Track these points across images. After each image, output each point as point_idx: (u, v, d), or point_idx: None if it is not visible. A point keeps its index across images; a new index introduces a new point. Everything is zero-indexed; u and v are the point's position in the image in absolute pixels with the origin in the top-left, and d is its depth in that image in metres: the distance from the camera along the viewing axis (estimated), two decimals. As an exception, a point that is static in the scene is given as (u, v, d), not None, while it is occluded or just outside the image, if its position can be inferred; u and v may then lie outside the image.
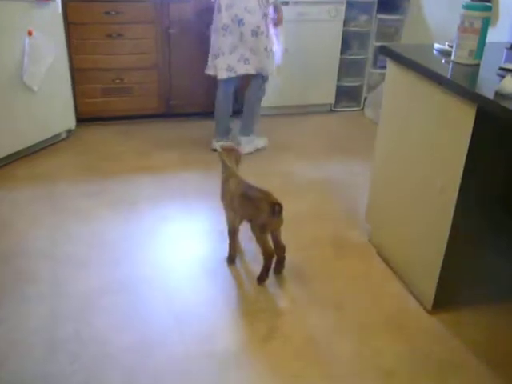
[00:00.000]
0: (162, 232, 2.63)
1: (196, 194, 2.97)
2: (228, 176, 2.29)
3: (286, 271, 2.35)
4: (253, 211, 2.15)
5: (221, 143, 3.10)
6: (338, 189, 3.12)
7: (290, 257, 2.37)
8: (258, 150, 3.48)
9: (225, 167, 2.33)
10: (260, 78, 3.24)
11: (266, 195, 2.15)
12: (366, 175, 2.92)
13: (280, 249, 2.26)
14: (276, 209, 2.10)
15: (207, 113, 3.77)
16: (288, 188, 3.09)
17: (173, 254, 2.46)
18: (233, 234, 2.37)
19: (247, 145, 3.41)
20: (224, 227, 2.43)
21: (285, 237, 2.30)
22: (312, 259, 2.47)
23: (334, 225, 2.76)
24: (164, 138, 3.66)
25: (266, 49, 3.12)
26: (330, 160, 3.47)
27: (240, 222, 2.35)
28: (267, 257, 2.19)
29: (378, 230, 2.55)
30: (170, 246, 2.51)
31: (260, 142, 3.50)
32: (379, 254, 2.53)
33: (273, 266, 2.26)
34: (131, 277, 2.27)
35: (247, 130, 3.42)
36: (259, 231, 2.16)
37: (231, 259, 2.40)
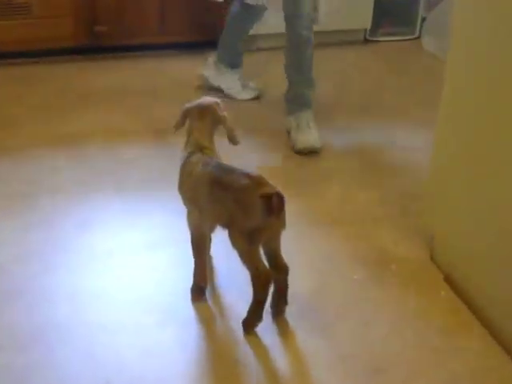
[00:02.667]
0: (84, 246, 2.68)
1: (140, 182, 3.05)
2: (192, 151, 2.35)
3: (290, 310, 2.35)
4: (233, 209, 2.18)
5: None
6: (377, 172, 3.20)
7: (295, 285, 2.37)
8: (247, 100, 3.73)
9: (189, 137, 2.38)
10: None
11: (256, 181, 2.17)
12: (425, 149, 2.89)
13: (280, 270, 2.29)
14: (274, 203, 2.11)
15: (158, 46, 3.99)
16: (295, 171, 3.17)
17: (101, 285, 2.50)
18: (199, 247, 2.41)
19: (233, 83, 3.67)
20: (185, 236, 2.43)
21: (287, 252, 2.32)
22: (333, 289, 2.51)
23: (371, 231, 2.81)
24: (88, 88, 3.74)
25: None
26: (364, 124, 3.55)
27: (212, 227, 2.42)
28: (260, 284, 2.21)
29: (447, 241, 2.59)
30: (97, 272, 2.56)
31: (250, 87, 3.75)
32: (448, 280, 2.54)
33: (269, 299, 2.28)
34: (38, 324, 2.30)
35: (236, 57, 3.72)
36: (245, 242, 2.18)
37: (198, 290, 2.44)
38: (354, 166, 3.27)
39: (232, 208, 2.18)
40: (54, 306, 2.36)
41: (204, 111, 2.38)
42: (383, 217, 2.88)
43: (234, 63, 3.69)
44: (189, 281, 2.42)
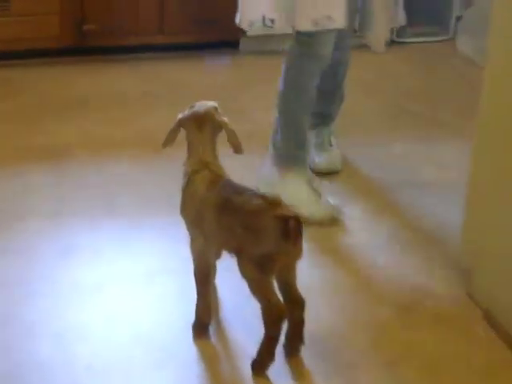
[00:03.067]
0: (70, 276, 2.66)
1: (133, 202, 3.04)
2: (196, 169, 2.31)
3: (306, 350, 2.33)
4: (243, 234, 2.16)
5: None
6: (407, 193, 3.18)
7: (314, 322, 2.37)
8: None
9: (190, 152, 2.34)
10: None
11: (270, 202, 2.16)
12: (462, 167, 2.88)
13: (295, 304, 2.26)
14: (291, 227, 2.09)
15: (155, 47, 4.04)
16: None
17: (90, 320, 2.47)
18: (204, 278, 2.39)
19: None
20: (185, 265, 2.41)
21: (304, 283, 2.33)
22: (357, 327, 2.48)
23: (400, 261, 2.80)
24: (74, 94, 3.77)
25: None
26: (392, 138, 3.55)
27: (217, 254, 2.39)
28: (271, 319, 2.18)
29: (487, 275, 2.55)
30: (85, 304, 2.54)
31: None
32: (488, 318, 2.51)
33: (282, 337, 2.25)
34: (17, 363, 2.28)
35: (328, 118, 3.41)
36: (256, 271, 2.16)
37: (201, 327, 2.41)
38: (381, 185, 3.29)
39: (241, 232, 2.16)
40: (36, 343, 2.36)
41: (202, 120, 2.35)
42: (414, 245, 2.89)
43: None
44: (190, 316, 2.40)
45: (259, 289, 2.18)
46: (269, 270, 2.16)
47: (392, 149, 3.50)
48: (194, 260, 2.37)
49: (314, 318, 2.40)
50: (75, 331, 2.42)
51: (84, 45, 4.03)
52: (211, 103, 2.41)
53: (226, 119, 2.37)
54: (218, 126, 2.35)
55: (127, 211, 2.99)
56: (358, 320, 2.51)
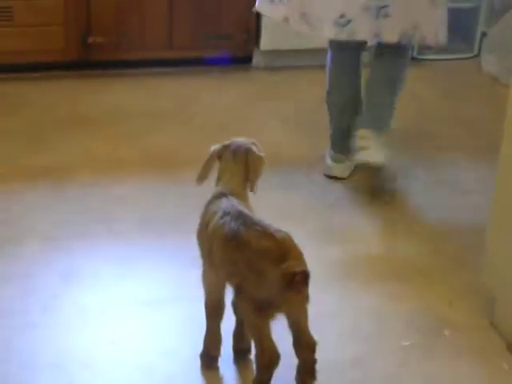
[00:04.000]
0: (70, 302, 2.66)
1: (137, 224, 3.06)
2: (217, 195, 2.33)
3: (326, 381, 2.33)
4: (245, 272, 2.15)
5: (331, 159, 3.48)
6: (429, 219, 3.21)
7: (332, 352, 2.40)
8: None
9: (218, 180, 2.37)
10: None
11: (279, 246, 2.13)
12: (486, 191, 2.91)
13: (305, 347, 2.24)
14: (296, 281, 2.07)
15: (163, 62, 4.04)
16: (332, 215, 3.21)
17: (91, 350, 2.46)
18: (214, 311, 2.38)
19: (378, 149, 3.41)
20: (193, 292, 2.40)
21: (322, 312, 2.41)
22: (377, 358, 2.48)
23: (421, 289, 2.80)
24: (76, 111, 3.77)
25: None
26: (412, 161, 3.58)
27: (225, 287, 2.37)
28: (262, 364, 2.18)
29: (511, 304, 2.53)
30: (86, 333, 2.53)
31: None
32: None
33: (294, 378, 2.26)
34: None
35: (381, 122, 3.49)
36: (253, 313, 2.15)
37: (210, 358, 2.42)
38: (402, 211, 3.29)
39: (245, 270, 2.15)
40: (34, 375, 2.34)
41: (240, 152, 2.37)
42: (435, 272, 2.89)
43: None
44: (196, 344, 2.40)
45: (254, 331, 2.18)
46: (266, 314, 2.15)
47: (411, 173, 3.50)
48: (205, 291, 2.37)
49: (334, 347, 2.43)
50: (76, 361, 2.40)
51: (88, 58, 4.05)
52: (251, 139, 2.43)
53: (263, 155, 2.40)
54: (256, 161, 2.37)
55: (128, 234, 2.99)
56: (378, 350, 2.51)
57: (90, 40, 3.97)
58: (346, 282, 2.81)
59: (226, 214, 2.24)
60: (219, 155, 2.36)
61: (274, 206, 3.11)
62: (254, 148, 2.38)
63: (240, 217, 2.22)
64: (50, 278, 2.75)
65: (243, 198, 2.33)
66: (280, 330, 2.19)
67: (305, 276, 2.08)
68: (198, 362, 2.38)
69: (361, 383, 2.37)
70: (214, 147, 2.38)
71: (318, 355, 2.28)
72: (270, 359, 2.17)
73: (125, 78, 4.04)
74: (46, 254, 2.87)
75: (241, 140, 2.40)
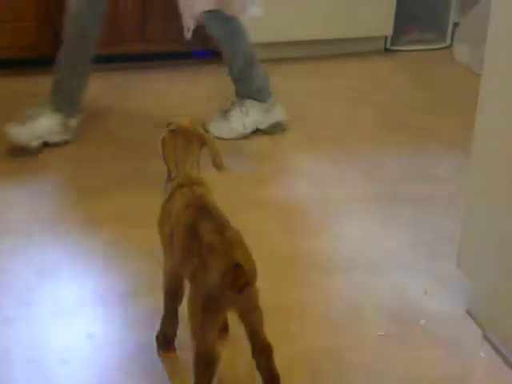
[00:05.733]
0: (47, 297, 2.67)
1: (114, 218, 3.07)
2: (180, 184, 2.33)
3: (300, 372, 2.36)
4: (198, 266, 2.15)
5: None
6: (404, 208, 3.23)
7: (307, 343, 2.41)
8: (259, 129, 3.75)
9: (176, 167, 2.36)
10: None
11: (225, 240, 2.14)
12: (460, 179, 3.00)
13: (260, 351, 2.22)
14: (236, 274, 2.05)
15: (136, 56, 4.03)
16: (301, 203, 3.22)
17: (69, 345, 2.48)
18: (173, 295, 2.41)
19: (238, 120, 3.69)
20: (154, 279, 2.48)
21: (297, 301, 2.46)
22: (352, 348, 2.48)
23: (397, 278, 2.81)
24: None
25: None
26: (385, 150, 3.60)
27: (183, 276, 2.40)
28: (198, 362, 2.17)
29: (487, 292, 2.55)
30: (64, 328, 2.55)
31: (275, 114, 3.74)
32: (488, 338, 2.52)
33: None
34: None
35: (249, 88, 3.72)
36: (200, 309, 2.15)
37: (166, 340, 2.45)
38: (376, 200, 3.29)
39: (196, 263, 2.15)
40: (11, 369, 2.35)
41: (190, 135, 2.37)
42: (411, 261, 2.90)
43: None
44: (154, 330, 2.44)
45: (196, 328, 2.16)
46: (212, 312, 2.15)
47: (386, 160, 3.53)
48: (164, 277, 2.39)
49: (309, 337, 2.43)
50: (54, 356, 2.42)
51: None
52: (190, 119, 2.43)
53: (209, 135, 2.41)
54: (204, 143, 2.37)
55: (106, 229, 3.00)
56: (352, 339, 2.52)
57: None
58: (320, 272, 2.81)
59: (190, 204, 2.26)
60: (165, 142, 2.36)
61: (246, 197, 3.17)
62: (199, 131, 2.39)
63: (202, 208, 2.23)
64: (27, 273, 2.75)
65: (205, 185, 2.33)
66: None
67: (241, 273, 2.06)
68: (175, 354, 2.42)
69: (335, 373, 2.38)
70: (163, 135, 2.37)
71: (292, 345, 2.32)
72: (206, 359, 2.16)
73: (97, 73, 4.00)
74: (21, 249, 2.88)
75: (185, 123, 2.40)
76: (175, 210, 2.29)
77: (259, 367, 2.22)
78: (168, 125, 2.41)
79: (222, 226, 2.17)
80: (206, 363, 2.16)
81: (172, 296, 2.40)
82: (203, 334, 2.16)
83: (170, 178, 2.37)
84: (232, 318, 2.24)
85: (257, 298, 2.15)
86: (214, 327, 2.16)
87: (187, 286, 2.30)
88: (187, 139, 2.36)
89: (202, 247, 2.14)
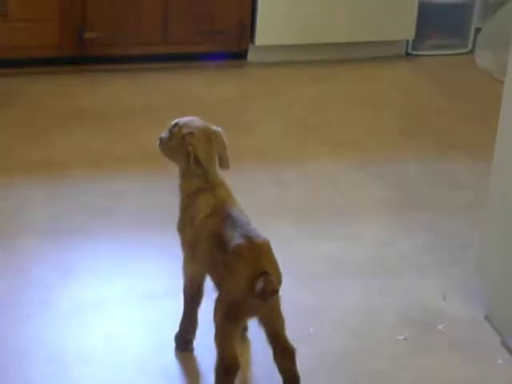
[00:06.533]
0: (67, 297, 2.67)
1: (133, 220, 3.08)
2: (199, 188, 2.30)
3: (317, 375, 2.35)
4: (224, 274, 2.17)
5: None
6: (424, 213, 3.21)
7: (326, 346, 2.40)
8: None
9: (195, 169, 2.32)
10: None
11: (253, 248, 2.12)
12: (481, 186, 2.97)
13: (282, 355, 2.22)
14: (260, 284, 2.05)
15: (159, 57, 4.05)
16: (325, 209, 3.21)
17: (88, 344, 2.49)
18: (194, 296, 2.41)
19: None
20: (173, 281, 2.49)
21: (316, 306, 2.44)
22: (370, 352, 2.48)
23: (416, 283, 2.81)
24: (72, 106, 3.77)
25: None
26: (406, 156, 3.58)
27: (205, 276, 2.38)
28: (221, 368, 2.17)
29: (506, 298, 2.54)
30: (83, 327, 2.56)
31: None
32: (506, 344, 2.53)
33: None
34: None
35: None
36: (223, 316, 2.15)
37: (184, 341, 2.45)
38: (397, 205, 3.30)
39: (223, 271, 2.16)
40: (32, 367, 2.36)
41: (212, 136, 2.34)
42: (430, 266, 2.90)
43: None
44: (174, 328, 2.44)
45: (219, 334, 2.16)
46: (234, 318, 2.15)
47: (406, 166, 3.52)
48: (185, 279, 2.39)
49: (327, 340, 2.44)
50: (73, 355, 2.43)
51: (84, 54, 4.05)
52: (197, 118, 2.40)
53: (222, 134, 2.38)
54: (223, 148, 2.36)
55: (126, 229, 3.02)
56: (370, 342, 2.53)
57: (86, 35, 3.97)
58: (339, 276, 2.82)
59: (214, 211, 2.25)
60: (189, 140, 2.30)
61: (266, 201, 3.16)
62: (214, 127, 2.36)
63: (228, 216, 2.22)
64: (47, 272, 2.76)
65: (225, 188, 2.31)
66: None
67: (270, 281, 2.05)
68: (193, 355, 2.42)
69: (354, 377, 2.38)
70: (185, 133, 2.31)
71: (311, 347, 2.31)
72: (228, 365, 2.16)
73: (120, 74, 3.97)
74: (43, 248, 2.88)
75: (193, 121, 2.36)
76: (198, 216, 2.28)
77: (281, 369, 2.21)
78: (175, 125, 2.38)
79: (249, 234, 2.16)
80: (227, 370, 2.17)
81: (192, 298, 2.40)
82: (224, 341, 2.16)
83: (185, 179, 2.34)
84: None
85: (279, 304, 2.15)
86: (236, 334, 2.17)
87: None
88: (207, 139, 2.34)
89: (227, 255, 2.14)
